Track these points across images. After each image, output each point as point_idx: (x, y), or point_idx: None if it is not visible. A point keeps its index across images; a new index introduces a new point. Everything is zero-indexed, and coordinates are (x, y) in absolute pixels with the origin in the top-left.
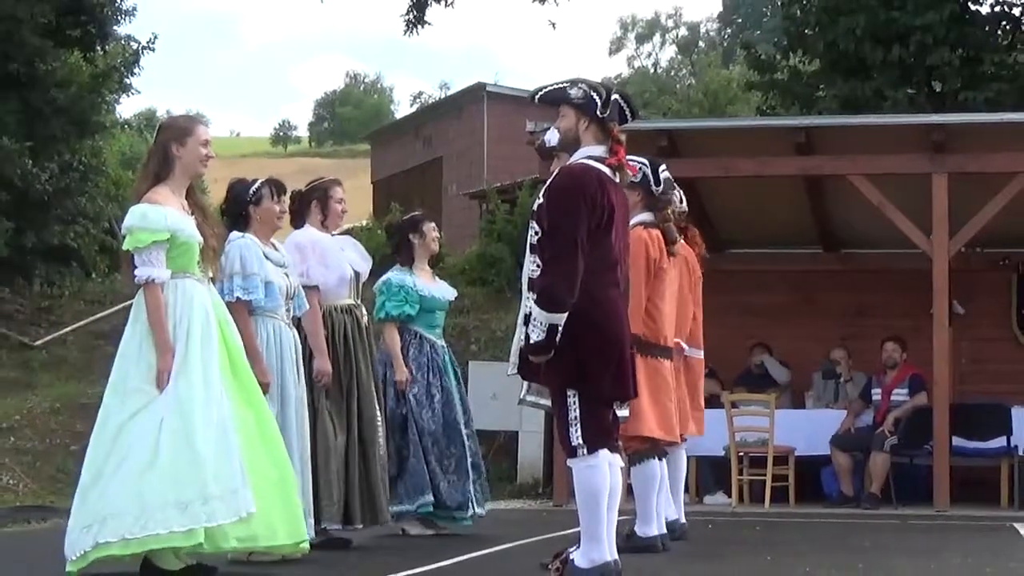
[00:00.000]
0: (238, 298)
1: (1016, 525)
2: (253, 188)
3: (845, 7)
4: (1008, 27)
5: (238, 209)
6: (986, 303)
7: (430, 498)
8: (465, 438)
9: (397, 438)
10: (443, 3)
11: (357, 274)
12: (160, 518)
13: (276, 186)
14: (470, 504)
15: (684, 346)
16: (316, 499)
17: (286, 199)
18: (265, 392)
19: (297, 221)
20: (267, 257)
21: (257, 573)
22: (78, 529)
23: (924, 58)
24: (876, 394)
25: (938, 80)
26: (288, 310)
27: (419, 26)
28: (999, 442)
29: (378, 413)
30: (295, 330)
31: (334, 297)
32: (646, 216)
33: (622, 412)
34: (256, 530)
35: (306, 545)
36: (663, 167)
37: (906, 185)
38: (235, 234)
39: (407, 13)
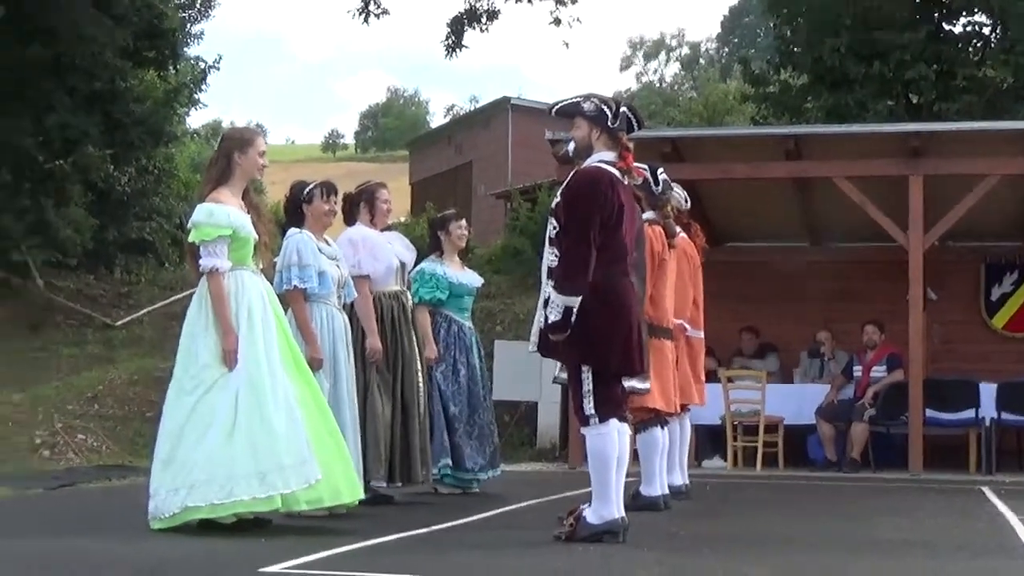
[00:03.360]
0: (295, 286)
1: (983, 488)
2: (307, 189)
3: (830, 27)
4: (978, 44)
5: (295, 207)
6: (956, 290)
7: (448, 461)
8: (483, 410)
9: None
10: (477, 29)
11: (403, 264)
12: (244, 486)
13: (327, 187)
14: (487, 467)
15: (686, 326)
16: (364, 460)
17: (336, 199)
18: (317, 369)
19: (349, 219)
20: (320, 250)
21: (307, 526)
22: (164, 492)
23: (902, 73)
24: (857, 371)
25: (914, 93)
26: (339, 297)
27: (457, 50)
28: (968, 414)
29: (420, 385)
30: (345, 314)
31: (383, 285)
32: (649, 214)
33: (644, 385)
34: (321, 493)
35: (360, 497)
36: (661, 170)
37: (885, 186)
38: (293, 230)
39: (447, 39)
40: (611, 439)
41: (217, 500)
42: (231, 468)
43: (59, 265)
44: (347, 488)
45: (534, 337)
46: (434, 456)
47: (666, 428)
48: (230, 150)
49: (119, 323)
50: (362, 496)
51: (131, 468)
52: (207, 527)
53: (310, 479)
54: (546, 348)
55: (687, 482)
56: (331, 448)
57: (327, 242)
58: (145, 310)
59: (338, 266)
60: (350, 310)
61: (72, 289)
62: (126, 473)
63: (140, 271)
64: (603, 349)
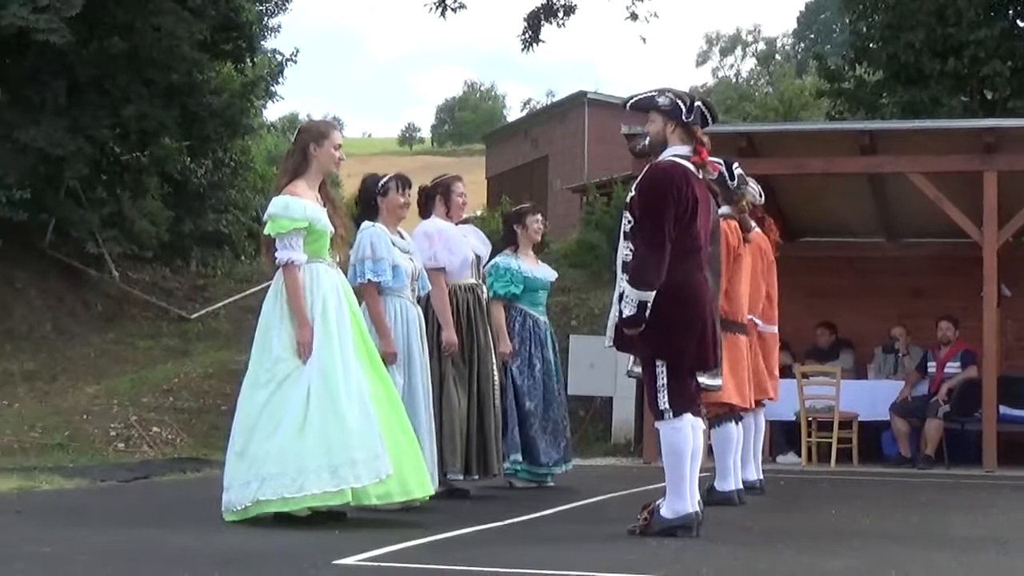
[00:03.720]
0: (369, 280)
1: None
2: (382, 182)
3: (906, 23)
4: None
5: (369, 199)
6: None
7: (518, 457)
8: (557, 404)
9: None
10: (554, 24)
11: (478, 257)
12: (315, 480)
13: (402, 180)
14: (560, 461)
15: (757, 322)
16: (440, 454)
17: (410, 192)
18: (391, 363)
19: (424, 212)
20: (394, 244)
21: (381, 519)
22: (237, 485)
23: (977, 69)
24: (931, 367)
25: (989, 89)
26: (413, 290)
27: (534, 44)
28: None
29: (495, 378)
30: (419, 308)
31: (458, 277)
32: (724, 209)
33: (715, 381)
34: (391, 488)
35: (430, 493)
36: (736, 165)
37: (959, 182)
38: (366, 223)
39: (523, 33)
40: (685, 433)
41: (288, 494)
42: (302, 462)
43: (135, 257)
44: (417, 485)
45: (610, 332)
46: (506, 451)
47: (740, 423)
48: (306, 143)
49: (194, 316)
50: (432, 493)
51: (206, 461)
52: (282, 519)
53: (381, 474)
54: (621, 343)
55: (761, 477)
56: (403, 444)
57: (400, 235)
58: (221, 303)
59: (411, 259)
60: (425, 303)
61: (148, 282)
62: (200, 466)
63: (216, 264)
64: (678, 344)
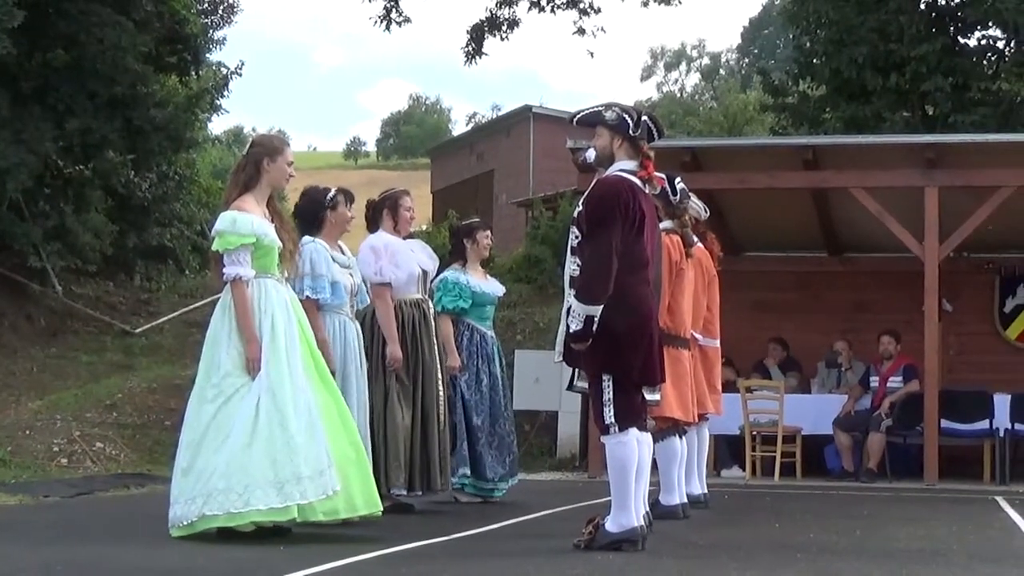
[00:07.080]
0: (307, 296)
1: (997, 498)
2: (330, 195)
3: (849, 39)
4: (993, 58)
5: (314, 212)
6: (971, 302)
7: (467, 471)
8: (504, 419)
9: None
10: (498, 37)
11: (425, 272)
12: (261, 496)
13: (348, 195)
14: (507, 476)
15: (698, 337)
16: (386, 469)
17: (354, 206)
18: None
19: (371, 226)
20: (334, 259)
21: (327, 533)
22: (183, 501)
23: (918, 85)
24: (874, 381)
25: (930, 105)
26: (352, 306)
27: (477, 57)
28: (982, 424)
29: (440, 394)
30: (358, 324)
31: (404, 292)
32: (667, 223)
33: (653, 396)
34: (338, 504)
35: (379, 512)
36: (679, 179)
37: (901, 197)
38: (306, 238)
39: (467, 46)
40: (631, 448)
41: (234, 509)
42: (249, 477)
43: (78, 271)
44: (364, 501)
45: (559, 347)
46: (454, 466)
47: (684, 437)
48: (260, 157)
49: (139, 330)
50: (380, 510)
51: (149, 476)
52: (226, 535)
53: (328, 490)
54: (570, 358)
55: (705, 491)
56: (351, 459)
57: (341, 250)
58: (165, 318)
59: (351, 274)
60: (370, 318)
61: (91, 296)
62: (144, 481)
63: (160, 278)
64: (625, 358)
